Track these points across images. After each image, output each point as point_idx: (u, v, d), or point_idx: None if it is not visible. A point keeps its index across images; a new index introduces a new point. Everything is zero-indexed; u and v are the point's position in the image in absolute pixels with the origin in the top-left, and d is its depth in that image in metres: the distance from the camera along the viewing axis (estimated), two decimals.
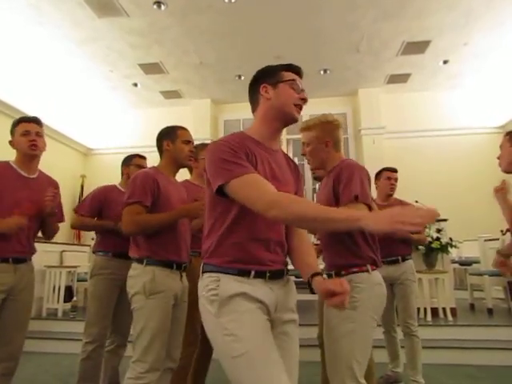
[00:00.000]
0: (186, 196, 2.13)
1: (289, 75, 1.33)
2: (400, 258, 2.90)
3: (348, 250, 1.70)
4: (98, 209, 2.65)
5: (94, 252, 2.68)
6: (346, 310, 1.58)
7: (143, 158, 2.87)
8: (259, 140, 1.32)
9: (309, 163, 1.94)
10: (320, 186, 2.14)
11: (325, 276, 1.79)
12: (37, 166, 2.27)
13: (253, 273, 1.21)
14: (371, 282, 1.66)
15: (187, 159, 2.11)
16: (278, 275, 1.27)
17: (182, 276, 1.98)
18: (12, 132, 2.20)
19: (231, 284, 1.19)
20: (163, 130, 2.14)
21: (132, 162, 2.81)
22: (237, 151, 1.21)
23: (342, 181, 1.69)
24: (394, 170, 3.18)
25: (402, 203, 3.12)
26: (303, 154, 1.92)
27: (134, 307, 1.85)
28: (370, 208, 1.66)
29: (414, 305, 2.88)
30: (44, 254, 4.88)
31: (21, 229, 2.03)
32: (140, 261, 1.89)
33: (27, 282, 2.17)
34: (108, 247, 2.57)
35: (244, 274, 1.21)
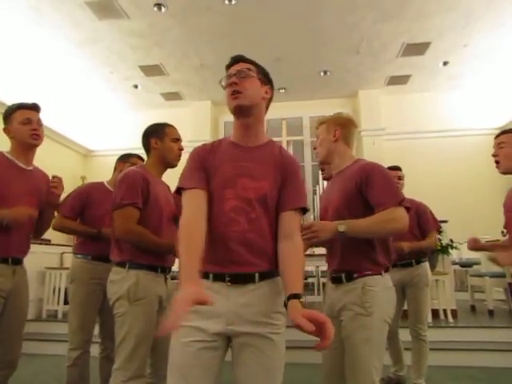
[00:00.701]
0: (171, 197, 2.05)
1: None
2: (414, 260, 2.84)
3: (364, 256, 1.64)
4: (80, 208, 2.48)
5: (74, 254, 2.54)
6: (362, 317, 1.56)
7: (141, 159, 2.72)
8: (235, 141, 1.33)
9: (317, 157, 1.90)
10: (328, 186, 2.07)
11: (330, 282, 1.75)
12: (33, 158, 2.11)
13: (211, 276, 1.18)
14: (384, 286, 1.62)
15: (177, 159, 2.04)
16: (242, 279, 1.16)
17: (166, 279, 1.93)
18: (8, 119, 2.01)
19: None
20: (150, 127, 2.05)
21: (129, 160, 2.67)
22: (195, 161, 1.28)
23: (376, 184, 1.61)
24: (396, 168, 3.09)
25: (412, 202, 2.98)
26: (315, 148, 1.92)
27: (116, 313, 1.78)
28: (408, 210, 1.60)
29: (425, 309, 2.82)
30: (44, 255, 4.88)
31: (31, 219, 1.90)
32: (122, 264, 1.81)
33: (23, 285, 2.06)
34: (87, 250, 2.43)
35: (204, 275, 1.17)
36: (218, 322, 1.16)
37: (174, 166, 2.06)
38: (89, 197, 2.50)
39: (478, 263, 5.87)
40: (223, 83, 1.33)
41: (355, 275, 1.62)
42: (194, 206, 1.20)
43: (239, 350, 1.18)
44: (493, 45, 6.26)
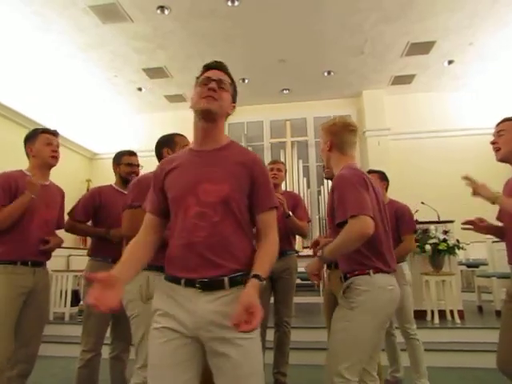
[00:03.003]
0: None
1: (201, 76, 1.36)
2: None
3: (352, 260, 1.72)
4: (93, 211, 2.58)
5: (89, 256, 2.57)
6: (344, 309, 1.67)
7: (133, 154, 2.79)
8: (194, 147, 1.37)
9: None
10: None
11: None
12: (49, 175, 2.41)
13: (183, 281, 1.22)
14: (372, 285, 1.65)
15: None
16: (211, 285, 1.19)
17: None
18: (31, 140, 2.31)
19: (158, 297, 1.30)
20: (161, 138, 2.16)
21: (122, 161, 2.74)
22: (153, 183, 1.40)
23: (336, 196, 1.69)
24: (372, 172, 3.04)
25: (393, 204, 2.94)
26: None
27: (131, 314, 1.82)
28: (372, 217, 1.60)
29: (409, 308, 2.84)
30: (51, 258, 4.90)
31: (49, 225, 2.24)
32: None
33: (44, 286, 2.30)
34: (107, 252, 2.44)
35: (176, 281, 1.24)
36: (187, 327, 1.20)
37: None
38: (100, 200, 2.60)
39: (484, 264, 5.82)
40: (201, 82, 1.33)
41: (348, 275, 1.73)
42: (145, 229, 1.38)
43: (210, 356, 1.21)
44: (498, 44, 6.22)
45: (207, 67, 1.37)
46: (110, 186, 2.74)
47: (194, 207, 1.25)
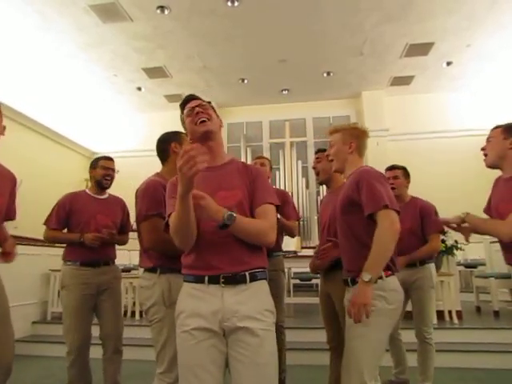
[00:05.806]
0: None
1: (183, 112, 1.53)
2: (418, 262, 2.77)
3: (360, 255, 1.66)
4: (65, 218, 2.60)
5: (63, 261, 2.61)
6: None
7: (110, 159, 2.78)
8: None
9: (333, 165, 1.99)
10: (328, 191, 2.38)
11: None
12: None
13: (207, 279, 1.32)
14: (385, 289, 1.66)
15: None
16: (234, 280, 1.31)
17: None
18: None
19: (182, 300, 1.38)
20: (168, 133, 2.07)
21: (98, 164, 2.71)
22: (173, 191, 1.39)
23: (364, 188, 1.68)
24: (392, 168, 3.01)
25: (416, 202, 2.91)
26: (328, 155, 2.00)
27: (153, 319, 1.79)
28: (398, 212, 1.65)
29: (430, 311, 2.78)
30: (48, 257, 4.89)
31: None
32: (153, 270, 1.83)
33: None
34: (76, 256, 2.53)
35: (200, 280, 1.33)
36: (215, 320, 1.28)
37: None
38: (71, 206, 2.62)
39: (483, 264, 5.84)
40: (187, 113, 1.49)
41: (357, 279, 1.67)
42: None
43: (232, 345, 1.29)
44: (496, 45, 6.25)
45: (186, 101, 1.53)
46: (84, 191, 2.76)
47: None
